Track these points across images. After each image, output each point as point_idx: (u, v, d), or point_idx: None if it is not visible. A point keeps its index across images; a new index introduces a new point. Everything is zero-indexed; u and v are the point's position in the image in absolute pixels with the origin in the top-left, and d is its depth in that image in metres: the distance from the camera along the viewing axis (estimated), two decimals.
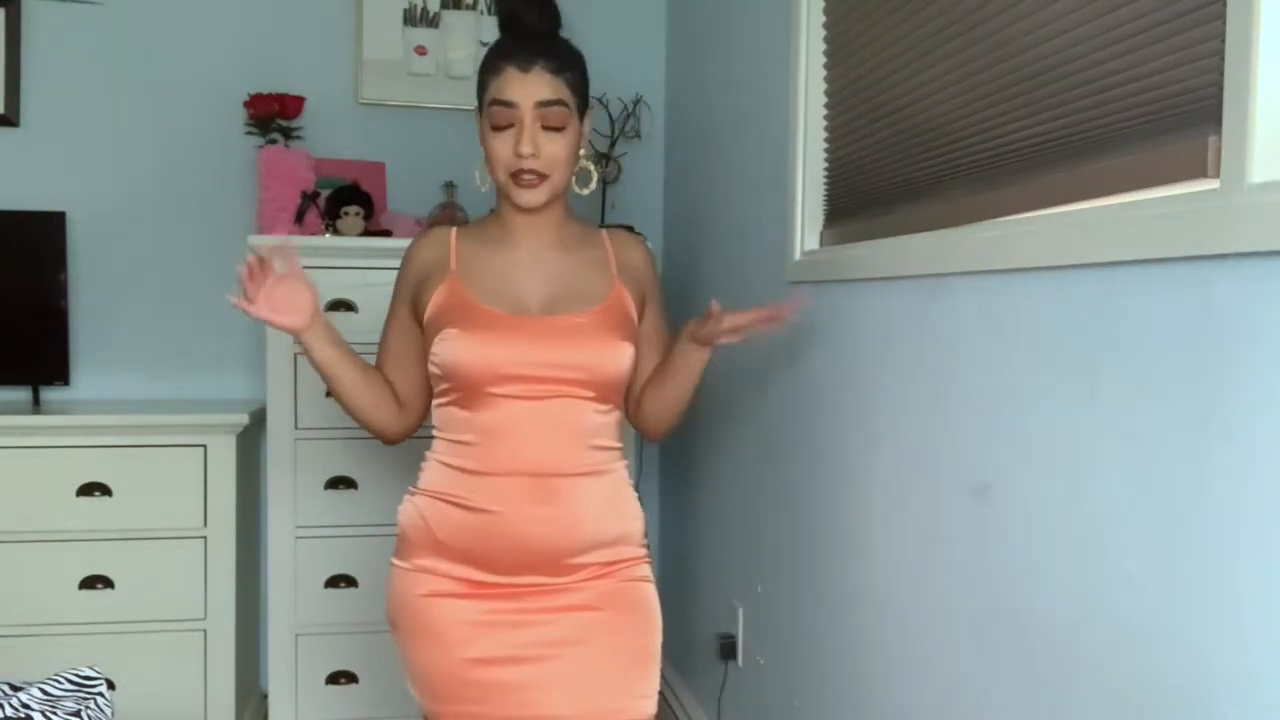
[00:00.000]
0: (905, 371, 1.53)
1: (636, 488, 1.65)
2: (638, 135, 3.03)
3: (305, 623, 2.57)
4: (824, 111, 1.91)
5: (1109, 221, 1.06)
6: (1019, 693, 1.22)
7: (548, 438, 1.52)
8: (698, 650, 2.69)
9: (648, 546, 1.66)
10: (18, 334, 2.70)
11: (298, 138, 2.78)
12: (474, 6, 2.98)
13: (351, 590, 2.58)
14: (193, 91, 2.86)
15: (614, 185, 3.00)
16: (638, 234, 1.86)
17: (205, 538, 2.54)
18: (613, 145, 2.97)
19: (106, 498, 2.47)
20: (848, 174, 1.83)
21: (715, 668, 2.43)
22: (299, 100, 2.76)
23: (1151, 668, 0.99)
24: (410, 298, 1.62)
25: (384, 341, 1.66)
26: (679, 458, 2.97)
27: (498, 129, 1.52)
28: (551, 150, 1.52)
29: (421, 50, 2.97)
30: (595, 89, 1.67)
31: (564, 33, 1.60)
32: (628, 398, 1.68)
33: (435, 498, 1.55)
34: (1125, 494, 1.03)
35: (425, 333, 1.58)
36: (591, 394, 1.54)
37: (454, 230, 1.64)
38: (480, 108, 1.57)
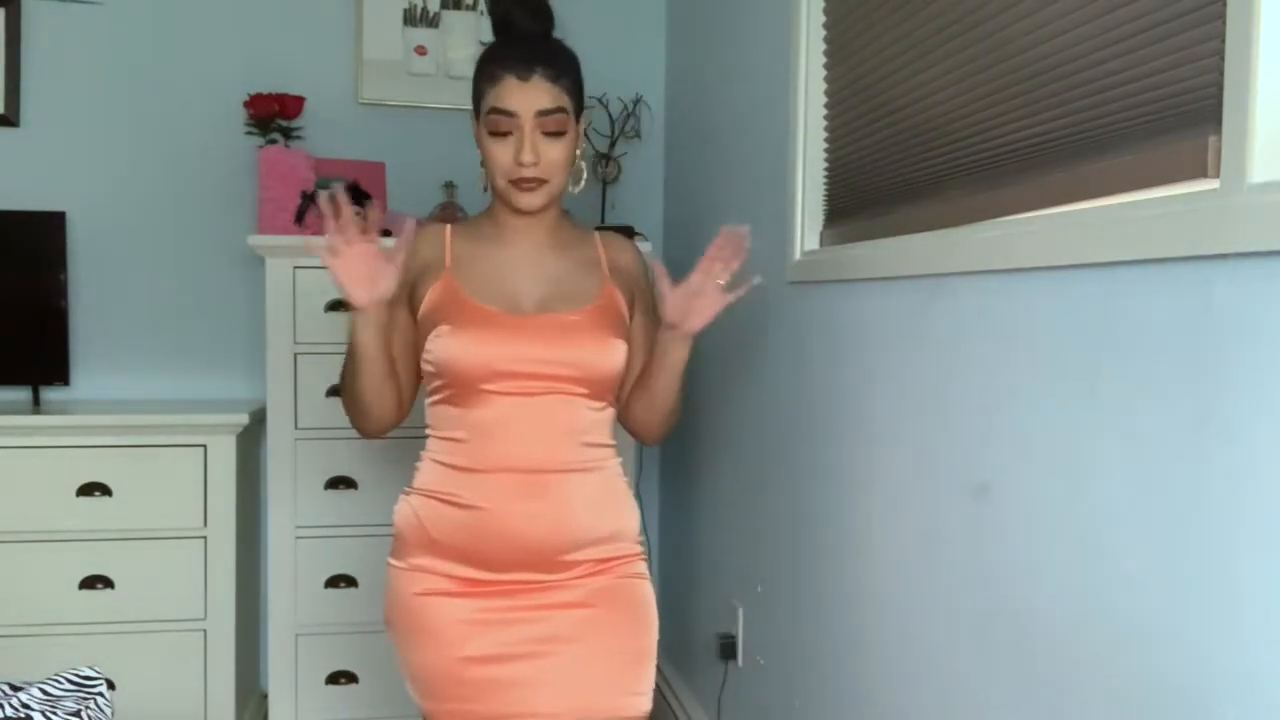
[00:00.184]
0: (905, 371, 1.53)
1: (636, 488, 1.64)
2: (637, 135, 3.03)
3: (305, 623, 2.57)
4: (824, 111, 1.91)
5: (1109, 221, 1.06)
6: (1019, 693, 1.22)
7: (541, 434, 1.52)
8: (698, 650, 2.69)
9: (643, 544, 1.66)
10: (17, 334, 2.70)
11: (298, 138, 2.78)
12: (474, 6, 2.98)
13: (351, 590, 2.58)
14: (193, 91, 2.86)
15: (614, 185, 3.00)
16: (634, 235, 1.86)
17: (205, 538, 2.54)
18: (612, 145, 2.96)
19: (106, 498, 2.47)
20: (848, 174, 1.83)
21: (715, 668, 2.43)
22: (299, 100, 2.76)
23: (1151, 668, 0.99)
24: (404, 294, 1.61)
25: None
26: (679, 457, 2.97)
27: (496, 135, 1.52)
28: (551, 156, 1.52)
29: (421, 50, 2.97)
30: (595, 89, 1.66)
31: (562, 33, 1.60)
32: (617, 400, 1.68)
33: (429, 496, 1.55)
34: (1125, 494, 1.03)
35: (419, 329, 1.58)
36: (585, 391, 1.54)
37: (448, 227, 1.63)
38: (477, 113, 1.56)
